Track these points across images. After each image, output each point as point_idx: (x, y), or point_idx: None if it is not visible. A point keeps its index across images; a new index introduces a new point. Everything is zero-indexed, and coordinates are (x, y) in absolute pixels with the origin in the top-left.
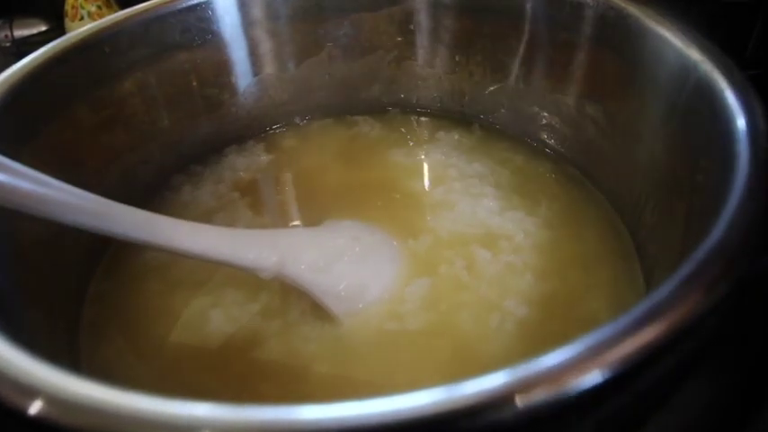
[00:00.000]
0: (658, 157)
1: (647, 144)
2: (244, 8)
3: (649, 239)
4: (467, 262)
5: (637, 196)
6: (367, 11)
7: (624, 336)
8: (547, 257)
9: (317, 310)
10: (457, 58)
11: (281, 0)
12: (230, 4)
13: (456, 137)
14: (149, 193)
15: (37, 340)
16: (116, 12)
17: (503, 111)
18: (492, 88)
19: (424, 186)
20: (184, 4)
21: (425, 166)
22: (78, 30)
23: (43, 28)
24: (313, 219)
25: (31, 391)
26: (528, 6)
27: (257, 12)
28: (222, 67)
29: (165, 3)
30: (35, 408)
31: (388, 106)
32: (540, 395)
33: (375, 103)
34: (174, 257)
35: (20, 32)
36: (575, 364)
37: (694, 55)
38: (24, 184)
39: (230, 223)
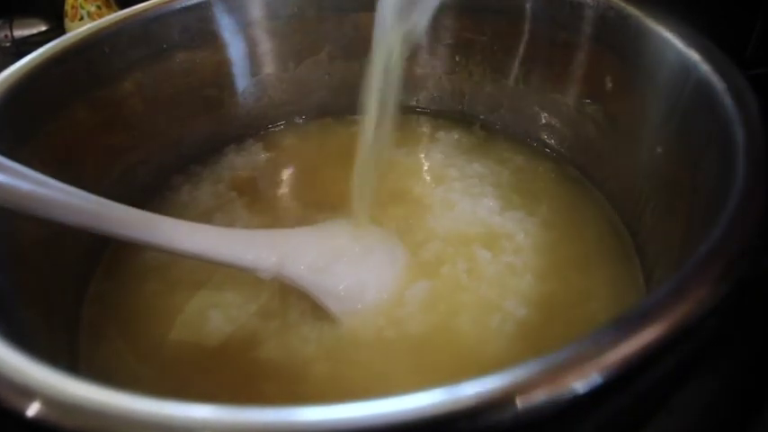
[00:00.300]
0: (658, 157)
1: (646, 144)
2: (243, 8)
3: (649, 240)
4: (467, 262)
5: (637, 196)
6: (367, 10)
7: (624, 337)
8: (547, 258)
9: (316, 310)
10: (457, 58)
11: (281, 0)
12: (229, 4)
13: (456, 137)
14: (149, 193)
15: (36, 341)
16: (116, 12)
17: (503, 111)
18: (492, 88)
19: (423, 186)
20: (184, 4)
21: (425, 166)
22: (78, 30)
23: (43, 28)
24: (312, 218)
25: (30, 393)
26: (528, 6)
27: (257, 11)
28: (222, 67)
29: (165, 3)
30: (33, 409)
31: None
32: (539, 396)
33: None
34: (174, 257)
35: (20, 32)
36: (574, 365)
37: (694, 55)
38: (23, 185)
39: (229, 223)
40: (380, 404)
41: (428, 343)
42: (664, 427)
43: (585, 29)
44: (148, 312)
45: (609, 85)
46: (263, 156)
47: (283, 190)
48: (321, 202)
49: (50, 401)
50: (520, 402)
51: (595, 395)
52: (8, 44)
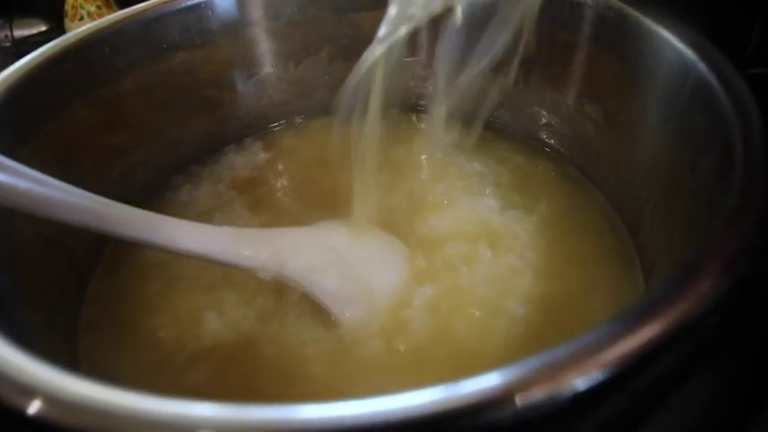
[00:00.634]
0: (657, 156)
1: (646, 144)
2: (243, 8)
3: (649, 239)
4: (467, 261)
5: (636, 196)
6: (367, 10)
7: (623, 335)
8: (547, 257)
9: (316, 310)
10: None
11: (281, 0)
12: (230, 4)
13: (456, 136)
14: (148, 192)
15: (36, 340)
16: (116, 12)
17: (503, 110)
18: (491, 88)
19: (423, 185)
20: (184, 4)
21: (425, 165)
22: (78, 29)
23: (43, 28)
24: (312, 218)
25: (30, 391)
26: None
27: (256, 11)
28: (221, 67)
29: (165, 3)
30: (34, 407)
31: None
32: (539, 394)
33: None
34: (174, 257)
35: (20, 32)
36: (574, 363)
37: (693, 55)
38: (24, 184)
39: (229, 222)
40: (381, 402)
41: (428, 342)
42: (663, 425)
43: (585, 29)
44: (148, 311)
45: (608, 84)
46: (263, 155)
47: (283, 189)
48: (321, 202)
49: (51, 399)
50: (519, 400)
51: (594, 393)
52: (8, 44)
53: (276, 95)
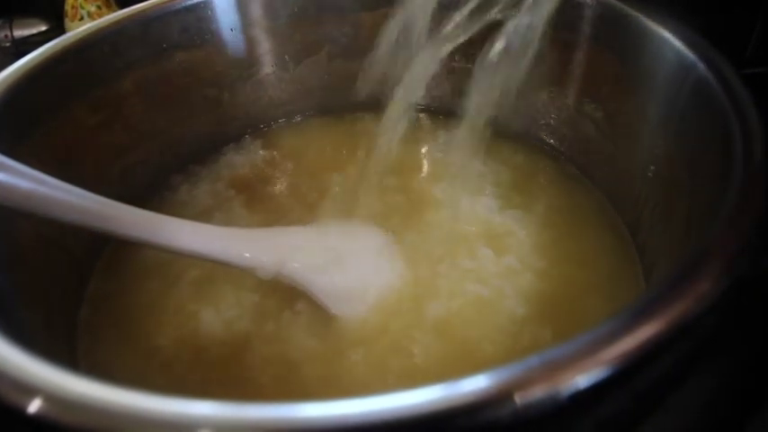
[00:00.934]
0: (657, 156)
1: (645, 143)
2: (243, 8)
3: (649, 238)
4: (466, 260)
5: (636, 195)
6: (366, 10)
7: (621, 334)
8: (547, 256)
9: (315, 309)
10: (456, 58)
11: (281, 0)
12: (229, 4)
13: (456, 135)
14: (148, 192)
15: (35, 340)
16: (116, 12)
17: (503, 110)
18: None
19: (423, 184)
20: (184, 4)
21: (425, 165)
22: (78, 29)
23: (43, 28)
24: (311, 217)
25: (31, 390)
26: None
27: (256, 11)
28: (221, 67)
29: (165, 3)
30: (34, 406)
31: (387, 105)
32: (537, 393)
33: (374, 103)
34: (173, 256)
35: (20, 32)
36: (572, 362)
37: (693, 55)
38: (24, 183)
39: (228, 221)
40: (380, 400)
41: (427, 341)
42: (662, 424)
43: (585, 28)
44: (147, 311)
45: (608, 84)
46: (262, 155)
47: (282, 189)
48: (320, 201)
49: (51, 398)
50: (518, 399)
51: (593, 391)
52: (8, 44)
53: (276, 95)
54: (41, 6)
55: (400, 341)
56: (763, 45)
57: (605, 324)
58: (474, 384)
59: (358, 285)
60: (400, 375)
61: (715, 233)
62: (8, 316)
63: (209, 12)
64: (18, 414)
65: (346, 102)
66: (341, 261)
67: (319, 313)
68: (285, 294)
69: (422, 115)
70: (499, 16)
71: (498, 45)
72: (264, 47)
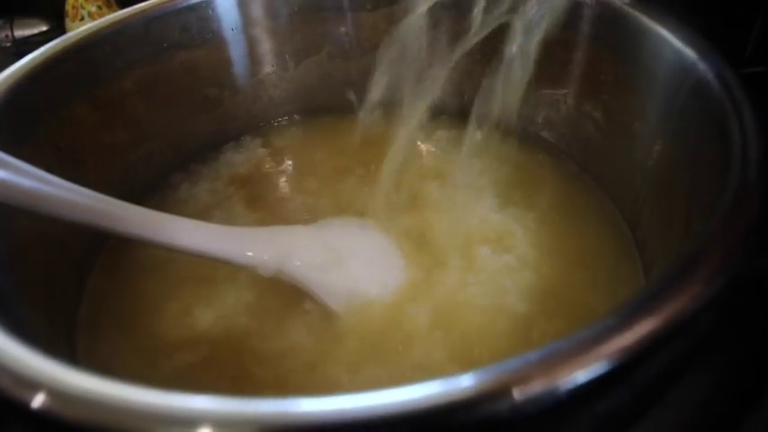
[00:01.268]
0: (656, 155)
1: (645, 142)
2: (243, 7)
3: (649, 236)
4: (466, 258)
5: (636, 194)
6: (366, 10)
7: (620, 329)
8: (546, 254)
9: (316, 307)
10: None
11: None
12: (230, 4)
13: (456, 133)
14: (148, 191)
15: (36, 337)
16: (116, 12)
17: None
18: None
19: (423, 183)
20: (184, 4)
21: (425, 163)
22: (78, 29)
23: (44, 28)
24: (311, 216)
25: (34, 385)
26: None
27: (257, 11)
28: (222, 66)
29: (165, 2)
30: (38, 401)
31: (388, 104)
32: (536, 388)
33: (374, 102)
34: (173, 254)
35: (20, 32)
36: (571, 357)
37: (692, 54)
38: (26, 182)
39: (228, 220)
40: (379, 396)
41: (427, 338)
42: (660, 421)
43: (584, 28)
44: (147, 308)
45: (607, 83)
46: (263, 154)
47: (282, 188)
48: (319, 200)
49: (55, 393)
50: (517, 393)
51: (591, 387)
52: (9, 44)
53: (276, 95)
54: (42, 6)
55: (400, 339)
56: (762, 44)
57: (603, 320)
58: (472, 379)
59: (358, 284)
60: (401, 373)
61: (712, 232)
62: (9, 313)
63: (210, 11)
64: (21, 409)
65: (346, 101)
66: (341, 260)
67: (320, 311)
68: (286, 292)
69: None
70: (506, 18)
71: (507, 46)
72: (265, 46)
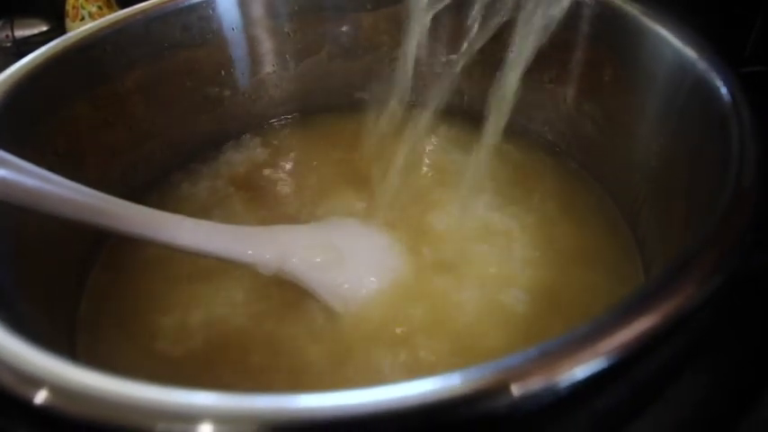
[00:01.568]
0: (656, 154)
1: (644, 142)
2: (244, 7)
3: (649, 235)
4: (466, 257)
5: (636, 192)
6: (366, 10)
7: (618, 326)
8: (547, 252)
9: (316, 306)
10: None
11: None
12: (231, 3)
13: (456, 133)
14: (149, 190)
15: (37, 334)
16: (116, 12)
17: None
18: (491, 87)
19: (423, 182)
20: (185, 4)
21: (425, 163)
22: (79, 29)
23: (44, 28)
24: (311, 215)
25: (37, 381)
26: None
27: (258, 10)
28: (222, 66)
29: (166, 2)
30: (41, 397)
31: (388, 104)
32: (534, 384)
33: (375, 102)
34: (174, 252)
35: (20, 32)
36: (569, 354)
37: (691, 53)
38: (27, 180)
39: (228, 218)
40: (379, 392)
41: (428, 336)
42: (658, 418)
43: (583, 27)
44: (147, 307)
45: (607, 83)
46: (263, 153)
47: (281, 187)
48: (319, 200)
49: (57, 389)
50: (515, 390)
51: (590, 384)
52: (9, 44)
53: (276, 94)
54: (42, 6)
55: (400, 337)
56: (761, 44)
57: (601, 317)
58: (471, 376)
59: (358, 282)
60: (401, 370)
61: (711, 230)
62: (11, 310)
63: (211, 11)
64: (24, 405)
65: (346, 101)
66: (341, 259)
67: (320, 310)
68: (286, 291)
69: (422, 112)
70: (506, 18)
71: (510, 47)
72: (265, 46)
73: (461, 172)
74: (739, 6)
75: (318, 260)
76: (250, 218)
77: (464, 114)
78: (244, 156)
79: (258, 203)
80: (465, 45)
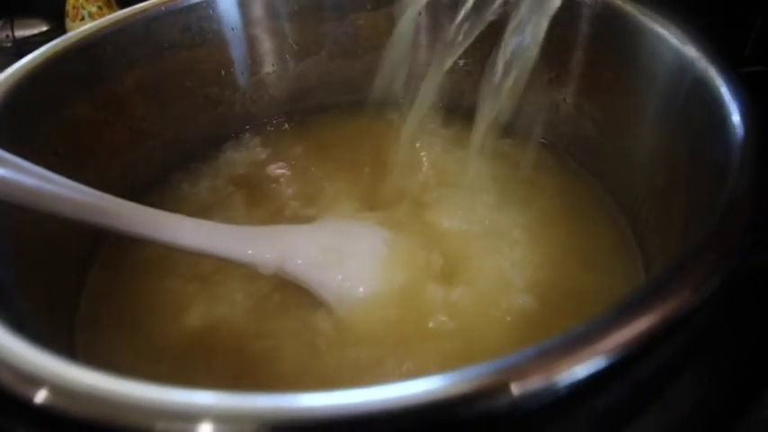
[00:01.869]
0: (656, 153)
1: (644, 141)
2: (244, 7)
3: (649, 234)
4: (466, 257)
5: (636, 192)
6: (366, 10)
7: (619, 324)
8: (547, 251)
9: (316, 305)
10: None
11: None
12: (230, 3)
13: (456, 132)
14: (149, 189)
15: (37, 333)
16: (116, 12)
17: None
18: (491, 86)
19: (423, 182)
20: (185, 4)
21: (425, 162)
22: (79, 29)
23: (44, 28)
24: (311, 215)
25: (36, 381)
26: None
27: (257, 10)
28: (222, 66)
29: (166, 2)
30: (41, 396)
31: (387, 104)
32: (534, 383)
33: (374, 101)
34: (173, 252)
35: (21, 32)
36: (569, 353)
37: (691, 53)
38: (27, 180)
39: (228, 218)
40: (379, 391)
41: (427, 335)
42: (657, 417)
43: (583, 27)
44: (146, 305)
45: (606, 83)
46: (262, 153)
47: (281, 186)
48: (319, 199)
49: (57, 389)
50: (515, 389)
51: (589, 383)
52: (9, 44)
53: (276, 94)
54: (42, 6)
55: (400, 336)
56: (761, 44)
57: (601, 316)
58: (470, 375)
59: (358, 282)
60: (401, 370)
61: (710, 230)
62: (10, 309)
63: (211, 11)
64: (24, 405)
65: (346, 101)
66: (341, 258)
67: (321, 309)
68: (286, 290)
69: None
70: (493, 17)
71: (505, 45)
72: (265, 46)
73: (462, 172)
74: (739, 6)
75: (318, 260)
76: (250, 217)
77: (464, 114)
78: (244, 155)
79: (258, 203)
80: (459, 41)
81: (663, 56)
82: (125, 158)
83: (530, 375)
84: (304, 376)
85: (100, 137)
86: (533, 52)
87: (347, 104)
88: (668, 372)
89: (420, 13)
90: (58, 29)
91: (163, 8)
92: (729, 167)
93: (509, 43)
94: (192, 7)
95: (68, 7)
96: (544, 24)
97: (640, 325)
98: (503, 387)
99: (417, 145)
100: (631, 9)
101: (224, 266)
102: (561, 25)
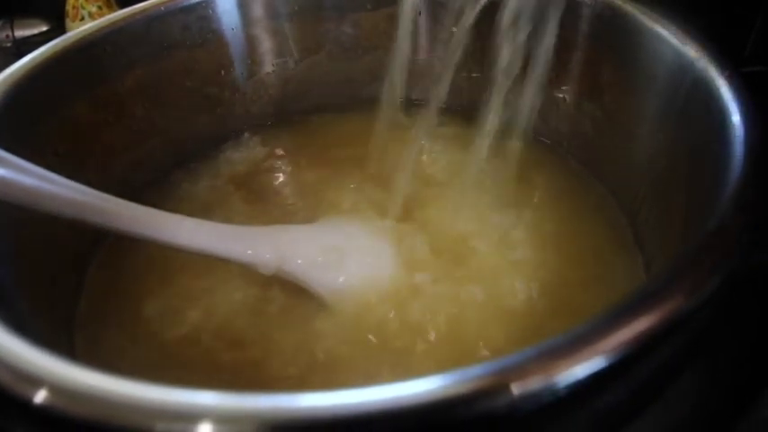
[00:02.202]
0: (656, 153)
1: (644, 141)
2: (244, 7)
3: (649, 234)
4: (466, 256)
5: (636, 191)
6: (366, 10)
7: (619, 324)
8: (547, 251)
9: (316, 305)
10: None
11: None
12: (230, 3)
13: (455, 132)
14: (149, 190)
15: (36, 332)
16: (116, 12)
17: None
18: (490, 86)
19: (423, 181)
20: (185, 4)
21: (425, 161)
22: (79, 29)
23: (44, 28)
24: (311, 215)
25: (36, 381)
26: None
27: (257, 10)
28: (222, 66)
29: (166, 2)
30: (40, 397)
31: (387, 104)
32: (534, 383)
33: (374, 101)
34: (173, 252)
35: (20, 32)
36: (569, 353)
37: (691, 53)
38: (26, 180)
39: (228, 218)
40: (378, 391)
41: (426, 335)
42: (658, 418)
43: (583, 27)
44: (146, 306)
45: (606, 83)
46: (262, 153)
47: (281, 186)
48: (319, 199)
49: (57, 389)
50: (515, 389)
51: (589, 382)
52: (9, 44)
53: (276, 94)
54: (42, 6)
55: (399, 336)
56: (761, 44)
57: (601, 316)
58: (470, 375)
59: (358, 282)
60: (401, 370)
61: (710, 230)
62: (10, 310)
63: (211, 11)
64: (23, 405)
65: (346, 101)
66: (341, 258)
67: (320, 309)
68: (286, 290)
69: (422, 111)
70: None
71: (505, 45)
72: (265, 46)
73: (462, 171)
74: (739, 6)
75: (318, 260)
76: (250, 217)
77: (464, 114)
78: (244, 155)
79: (258, 203)
80: (459, 40)
81: (663, 56)
82: (125, 158)
83: (530, 375)
84: (304, 376)
85: (100, 137)
86: (548, 55)
87: (347, 104)
88: (668, 372)
89: (420, 14)
90: (58, 29)
91: (163, 8)
92: (729, 167)
93: (515, 42)
94: (191, 7)
95: (68, 7)
96: (554, 24)
97: (640, 325)
98: (503, 387)
99: (419, 144)
100: (631, 9)
101: (224, 266)
102: (561, 25)
